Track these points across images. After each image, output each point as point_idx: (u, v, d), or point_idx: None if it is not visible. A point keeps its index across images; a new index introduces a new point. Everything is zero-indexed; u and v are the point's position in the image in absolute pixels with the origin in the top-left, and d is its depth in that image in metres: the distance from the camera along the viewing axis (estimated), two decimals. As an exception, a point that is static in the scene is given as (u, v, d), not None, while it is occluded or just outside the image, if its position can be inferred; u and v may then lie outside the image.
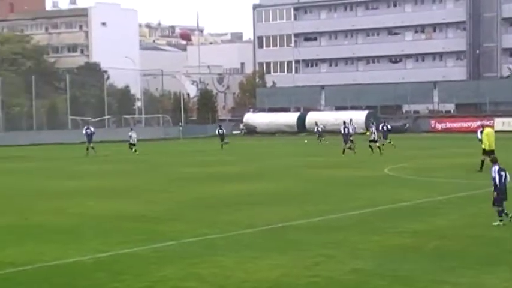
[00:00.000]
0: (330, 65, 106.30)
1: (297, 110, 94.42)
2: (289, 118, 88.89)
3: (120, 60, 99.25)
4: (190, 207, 22.56)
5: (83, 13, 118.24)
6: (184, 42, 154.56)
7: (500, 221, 17.59)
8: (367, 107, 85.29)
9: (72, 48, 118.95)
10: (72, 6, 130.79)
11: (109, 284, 12.59)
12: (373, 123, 49.18)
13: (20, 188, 29.87)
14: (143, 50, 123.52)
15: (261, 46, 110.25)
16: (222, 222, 19.11)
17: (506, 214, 17.63)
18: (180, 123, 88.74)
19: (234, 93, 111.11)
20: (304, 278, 12.77)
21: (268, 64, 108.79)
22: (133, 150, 51.45)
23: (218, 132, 58.54)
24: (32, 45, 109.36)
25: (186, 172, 35.86)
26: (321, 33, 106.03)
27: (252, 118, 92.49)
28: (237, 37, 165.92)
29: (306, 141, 64.42)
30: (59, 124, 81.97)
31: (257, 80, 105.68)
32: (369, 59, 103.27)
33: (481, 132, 33.63)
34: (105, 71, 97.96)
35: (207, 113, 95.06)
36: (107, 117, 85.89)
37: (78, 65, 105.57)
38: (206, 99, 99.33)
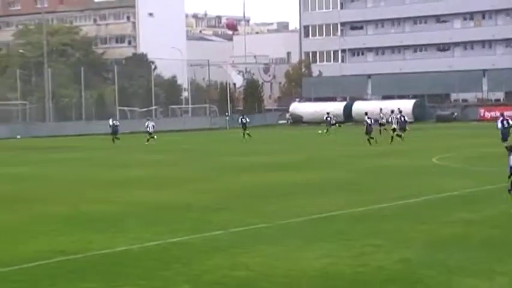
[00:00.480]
0: (377, 54, 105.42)
1: (344, 99, 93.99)
2: (336, 107, 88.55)
3: (167, 51, 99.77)
4: (236, 196, 22.65)
5: (130, 4, 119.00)
6: (230, 32, 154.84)
7: None
8: (414, 96, 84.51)
9: (120, 39, 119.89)
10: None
11: (158, 272, 12.72)
12: (392, 112, 48.77)
13: (69, 178, 30.35)
14: (190, 41, 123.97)
15: (307, 35, 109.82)
16: (267, 212, 19.15)
17: None
18: (227, 113, 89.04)
19: (280, 83, 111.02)
20: (351, 267, 12.74)
21: (314, 53, 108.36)
22: (152, 136, 53.20)
23: (241, 121, 58.45)
24: (80, 37, 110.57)
25: (232, 161, 36.03)
26: (368, 22, 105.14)
27: (298, 108, 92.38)
28: (283, 26, 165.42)
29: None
30: (107, 114, 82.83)
31: (303, 69, 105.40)
32: (417, 48, 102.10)
33: (502, 121, 33.44)
34: (153, 62, 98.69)
35: (253, 103, 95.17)
36: (154, 107, 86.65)
37: (126, 56, 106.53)
38: (252, 89, 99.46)
